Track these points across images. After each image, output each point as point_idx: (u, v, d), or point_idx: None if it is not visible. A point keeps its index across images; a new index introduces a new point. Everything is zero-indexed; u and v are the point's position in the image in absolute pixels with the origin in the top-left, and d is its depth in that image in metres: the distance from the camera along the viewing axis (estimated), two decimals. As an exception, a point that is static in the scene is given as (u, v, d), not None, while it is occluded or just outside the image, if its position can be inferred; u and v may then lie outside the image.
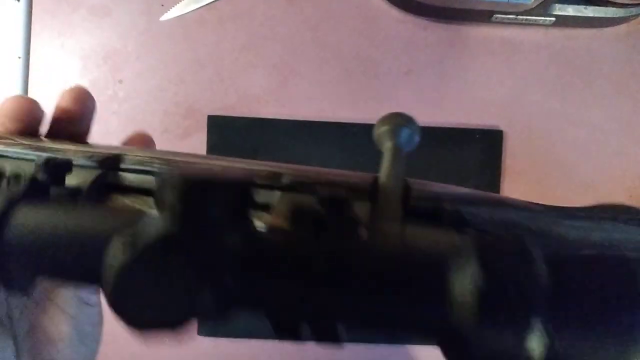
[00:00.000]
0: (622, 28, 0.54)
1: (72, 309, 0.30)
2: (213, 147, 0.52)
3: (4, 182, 0.22)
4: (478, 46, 0.53)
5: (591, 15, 0.50)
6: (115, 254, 0.15)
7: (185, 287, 0.15)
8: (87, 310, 0.31)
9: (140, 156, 0.22)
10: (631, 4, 0.49)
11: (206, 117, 0.52)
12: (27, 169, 0.22)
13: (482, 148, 0.52)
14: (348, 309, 0.15)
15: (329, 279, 0.15)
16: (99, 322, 0.31)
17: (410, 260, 0.15)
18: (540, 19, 0.50)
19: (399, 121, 0.22)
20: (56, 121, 0.28)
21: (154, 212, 0.15)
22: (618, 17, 0.50)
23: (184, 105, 0.53)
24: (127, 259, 0.14)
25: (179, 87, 0.53)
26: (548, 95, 0.54)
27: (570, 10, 0.50)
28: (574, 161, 0.54)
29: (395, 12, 0.53)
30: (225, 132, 0.52)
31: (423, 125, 0.22)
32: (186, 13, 0.53)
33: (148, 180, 0.21)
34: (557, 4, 0.49)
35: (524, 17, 0.50)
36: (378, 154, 0.22)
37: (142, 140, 0.30)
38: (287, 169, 0.20)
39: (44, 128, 0.27)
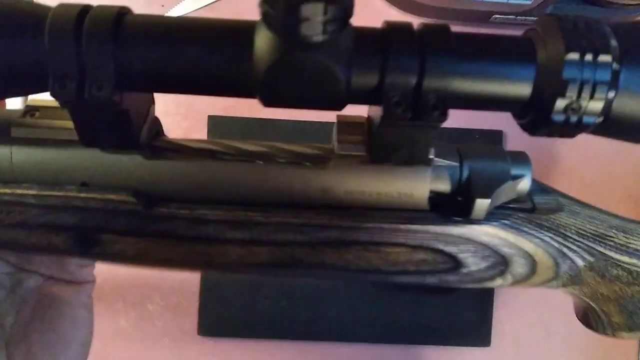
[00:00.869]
0: (621, 28, 0.54)
1: (68, 312, 0.30)
2: (213, 147, 0.52)
3: None
4: (478, 46, 0.53)
5: (591, 15, 0.50)
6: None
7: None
8: (82, 313, 0.31)
9: None
10: (631, 4, 0.49)
11: (206, 117, 0.52)
12: None
13: (482, 148, 0.52)
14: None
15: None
16: (91, 326, 0.31)
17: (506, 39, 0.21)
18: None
19: None
20: None
21: None
22: (618, 18, 0.50)
23: (184, 106, 0.53)
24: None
25: (179, 88, 0.53)
26: (548, 95, 0.53)
27: (570, 11, 0.50)
28: (574, 161, 0.54)
29: (395, 12, 0.53)
30: (225, 132, 0.52)
31: (423, 125, 0.22)
32: (186, 13, 0.53)
33: None
34: (556, 5, 0.49)
35: (524, 18, 0.50)
36: None
37: None
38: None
39: None
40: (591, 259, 0.26)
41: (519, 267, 0.26)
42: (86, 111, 0.21)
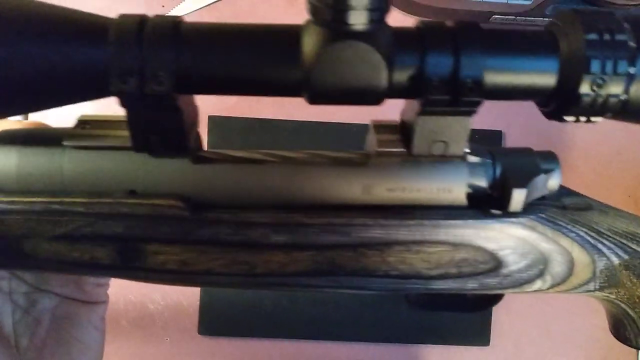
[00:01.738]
0: (621, 28, 0.54)
1: (82, 334, 0.30)
2: (213, 147, 0.52)
3: None
4: (478, 47, 0.53)
5: (590, 15, 0.50)
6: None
7: None
8: (95, 335, 0.31)
9: None
10: (630, 5, 0.49)
11: (206, 117, 0.52)
12: None
13: (482, 148, 0.52)
14: None
15: None
16: (102, 347, 0.32)
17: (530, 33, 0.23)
18: (539, 20, 0.51)
19: None
20: None
21: None
22: (617, 18, 0.50)
23: (185, 106, 0.53)
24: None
25: (179, 88, 0.53)
26: (547, 95, 0.54)
27: (570, 11, 0.50)
28: (574, 161, 0.55)
29: (395, 12, 0.53)
30: (225, 132, 0.52)
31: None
32: (187, 14, 0.53)
33: None
34: (556, 5, 0.49)
35: (523, 18, 0.50)
36: None
37: None
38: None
39: None
40: (626, 257, 0.26)
41: (557, 265, 0.26)
42: (144, 109, 0.22)
